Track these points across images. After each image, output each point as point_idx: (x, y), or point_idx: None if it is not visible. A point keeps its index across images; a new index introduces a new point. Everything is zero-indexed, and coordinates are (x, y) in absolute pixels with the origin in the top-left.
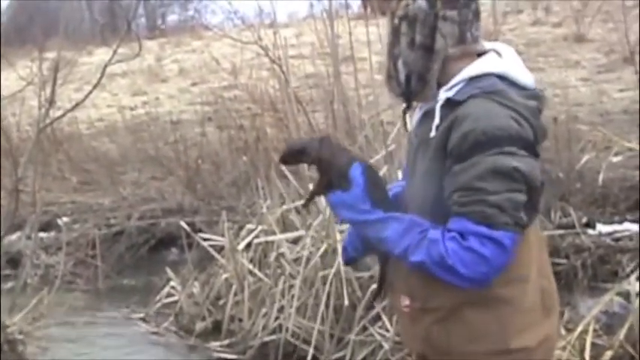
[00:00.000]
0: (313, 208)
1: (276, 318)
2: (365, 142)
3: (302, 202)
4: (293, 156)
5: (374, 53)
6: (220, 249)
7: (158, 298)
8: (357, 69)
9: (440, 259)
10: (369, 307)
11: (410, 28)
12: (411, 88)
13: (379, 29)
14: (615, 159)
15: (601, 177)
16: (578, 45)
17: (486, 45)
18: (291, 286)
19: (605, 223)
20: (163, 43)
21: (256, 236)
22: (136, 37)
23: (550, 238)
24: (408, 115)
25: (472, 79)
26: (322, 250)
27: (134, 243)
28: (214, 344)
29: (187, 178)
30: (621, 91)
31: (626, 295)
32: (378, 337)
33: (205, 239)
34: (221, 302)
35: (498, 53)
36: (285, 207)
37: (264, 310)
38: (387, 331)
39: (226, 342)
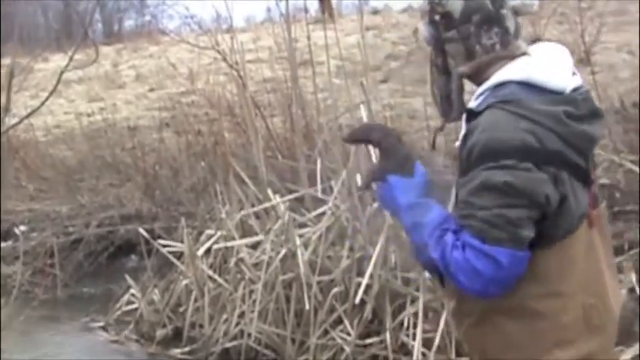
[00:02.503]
0: (272, 213)
1: (237, 323)
2: (323, 146)
3: (360, 183)
4: (359, 136)
5: (332, 57)
6: (180, 255)
7: (118, 306)
8: (315, 73)
9: (445, 265)
10: (331, 310)
11: (433, 54)
12: (444, 109)
13: (336, 33)
14: None
15: None
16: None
17: (533, 46)
18: (252, 291)
19: None
20: (120, 48)
21: (216, 242)
22: (93, 43)
23: None
24: (438, 134)
25: (494, 88)
26: (282, 254)
27: (93, 251)
28: (175, 351)
29: (145, 185)
30: None
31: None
32: (340, 341)
33: (164, 245)
34: (181, 309)
35: (529, 55)
36: (244, 212)
37: (224, 316)
38: (349, 334)
39: (187, 349)
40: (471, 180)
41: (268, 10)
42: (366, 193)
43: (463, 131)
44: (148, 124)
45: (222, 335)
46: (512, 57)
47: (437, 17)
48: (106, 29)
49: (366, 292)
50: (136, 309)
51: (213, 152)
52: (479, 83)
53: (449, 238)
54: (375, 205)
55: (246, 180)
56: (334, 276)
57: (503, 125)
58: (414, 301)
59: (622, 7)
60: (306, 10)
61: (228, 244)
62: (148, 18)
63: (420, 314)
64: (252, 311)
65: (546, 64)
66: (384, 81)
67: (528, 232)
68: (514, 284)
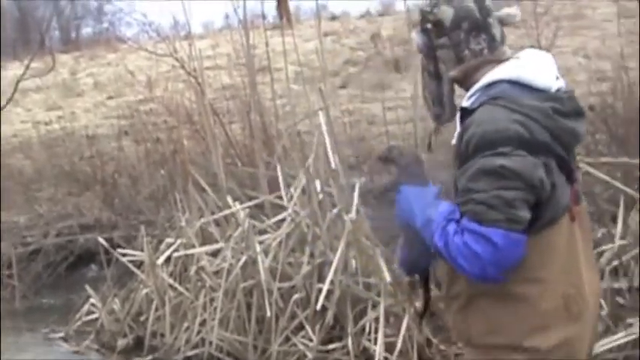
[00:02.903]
0: (232, 221)
1: (199, 332)
2: (282, 152)
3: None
4: (382, 155)
5: (290, 63)
6: (140, 264)
7: (78, 316)
8: (274, 79)
9: (447, 250)
10: (292, 317)
11: (425, 60)
12: (436, 113)
13: (294, 39)
14: None
15: None
16: None
17: (520, 53)
18: (213, 299)
19: None
20: (78, 56)
21: (176, 250)
22: (50, 51)
23: None
24: (434, 137)
25: (486, 87)
26: (242, 261)
27: (52, 261)
28: None
29: (104, 193)
30: None
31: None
32: (301, 347)
33: (124, 254)
34: (142, 318)
35: (517, 58)
36: (203, 220)
37: (186, 324)
38: (311, 340)
39: (149, 358)
40: (468, 168)
41: (226, 16)
42: (326, 199)
43: (458, 129)
44: (106, 133)
45: (183, 344)
46: (499, 61)
47: (429, 25)
48: (64, 37)
49: (327, 297)
50: (97, 319)
51: (173, 160)
52: (467, 87)
53: (451, 226)
54: (335, 210)
55: (206, 187)
56: (295, 282)
57: (498, 118)
58: (375, 306)
59: (578, 12)
60: (263, 17)
61: (189, 252)
62: (105, 25)
63: (382, 319)
64: (214, 319)
65: (533, 65)
66: (342, 86)
67: (524, 214)
68: (513, 267)
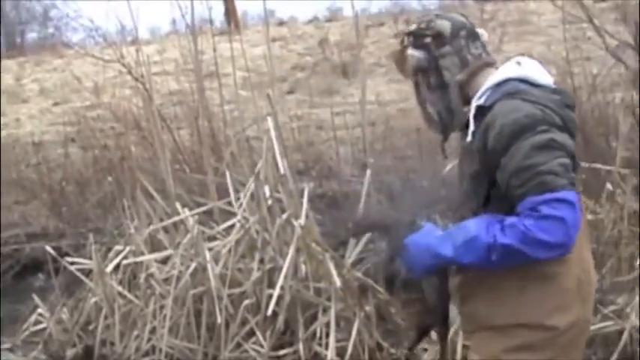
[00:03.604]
0: (181, 227)
1: (149, 339)
2: (231, 158)
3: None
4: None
5: (238, 68)
6: (88, 272)
7: (25, 326)
8: (222, 85)
9: (524, 237)
10: (243, 323)
11: (424, 76)
12: (445, 122)
13: (242, 44)
14: None
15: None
16: None
17: (516, 58)
18: (163, 307)
19: None
20: (23, 62)
21: (125, 257)
22: None
23: None
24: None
25: (496, 86)
26: (192, 268)
27: None
28: None
29: (52, 201)
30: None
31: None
32: (253, 353)
33: (72, 263)
34: (91, 327)
35: (518, 62)
36: (152, 227)
37: (136, 332)
38: (262, 346)
39: None
40: (517, 151)
41: (173, 21)
42: (276, 205)
43: (472, 128)
44: (53, 140)
45: (133, 352)
46: (494, 64)
47: (428, 40)
48: (8, 42)
49: (277, 303)
50: (45, 329)
51: (120, 167)
52: (470, 90)
53: (510, 221)
54: (284, 216)
55: (154, 194)
56: (245, 288)
57: (521, 107)
58: (325, 310)
59: (523, 18)
60: (211, 22)
61: (138, 259)
62: (51, 30)
63: (332, 324)
64: (163, 326)
65: (534, 66)
66: (290, 92)
67: (575, 176)
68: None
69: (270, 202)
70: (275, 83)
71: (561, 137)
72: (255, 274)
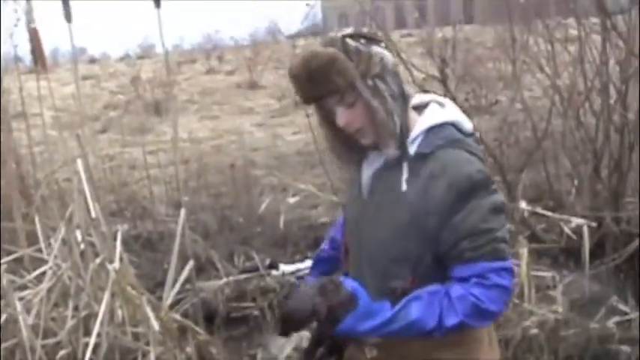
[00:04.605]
0: None
1: None
2: (41, 202)
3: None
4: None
5: (47, 108)
6: None
7: None
8: (31, 125)
9: (474, 309)
10: None
11: (382, 81)
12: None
13: (49, 83)
14: (292, 200)
15: (282, 219)
16: (251, 92)
17: (424, 97)
18: None
19: (287, 262)
20: None
21: None
22: None
23: (236, 284)
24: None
25: (430, 130)
26: (2, 320)
27: None
28: None
29: None
30: (294, 134)
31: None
32: None
33: None
34: None
35: (439, 103)
36: None
37: None
38: None
39: None
40: (473, 212)
41: None
42: (89, 249)
43: (406, 174)
44: None
45: None
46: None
47: (383, 44)
48: None
49: (94, 351)
50: None
51: None
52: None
53: (457, 292)
54: (98, 260)
55: None
56: (60, 338)
57: (470, 160)
58: (145, 355)
59: None
60: (17, 60)
61: None
62: None
63: None
64: None
65: (455, 108)
66: (103, 131)
67: None
68: None
69: (82, 246)
70: (86, 123)
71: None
72: (70, 323)
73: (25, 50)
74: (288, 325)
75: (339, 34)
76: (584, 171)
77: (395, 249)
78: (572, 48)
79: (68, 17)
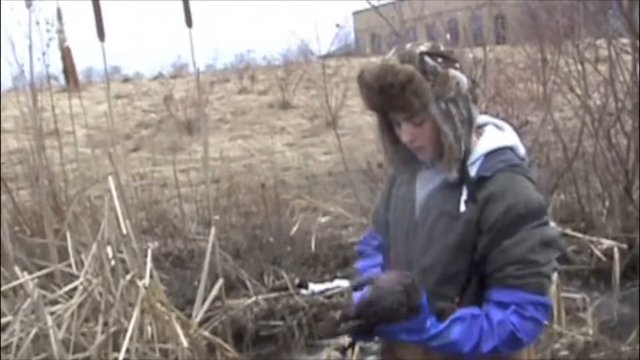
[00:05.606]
0: (20, 292)
1: None
2: (73, 218)
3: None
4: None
5: (79, 126)
6: None
7: None
8: (64, 143)
9: (511, 337)
10: None
11: (454, 104)
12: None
13: (81, 101)
14: (323, 219)
15: (313, 240)
16: (283, 112)
17: (480, 118)
18: None
19: (317, 282)
20: None
21: None
22: None
23: (265, 302)
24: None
25: (490, 154)
26: (33, 334)
27: None
28: None
29: None
30: (325, 154)
31: (342, 350)
32: None
33: None
34: None
35: (497, 126)
36: None
37: None
38: None
39: None
40: (525, 240)
41: (14, 78)
42: (119, 266)
43: (466, 195)
44: None
45: None
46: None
47: (458, 65)
48: None
49: None
50: None
51: None
52: None
53: (497, 317)
54: (128, 277)
55: None
56: (89, 353)
57: (529, 187)
58: None
59: None
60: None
61: None
62: None
63: None
64: None
65: (512, 131)
66: (135, 149)
67: None
68: None
69: (113, 262)
70: (118, 141)
71: (556, 230)
72: (100, 338)
73: (58, 69)
74: (366, 316)
75: (418, 50)
76: (616, 192)
77: (446, 270)
78: (603, 68)
79: (101, 36)
